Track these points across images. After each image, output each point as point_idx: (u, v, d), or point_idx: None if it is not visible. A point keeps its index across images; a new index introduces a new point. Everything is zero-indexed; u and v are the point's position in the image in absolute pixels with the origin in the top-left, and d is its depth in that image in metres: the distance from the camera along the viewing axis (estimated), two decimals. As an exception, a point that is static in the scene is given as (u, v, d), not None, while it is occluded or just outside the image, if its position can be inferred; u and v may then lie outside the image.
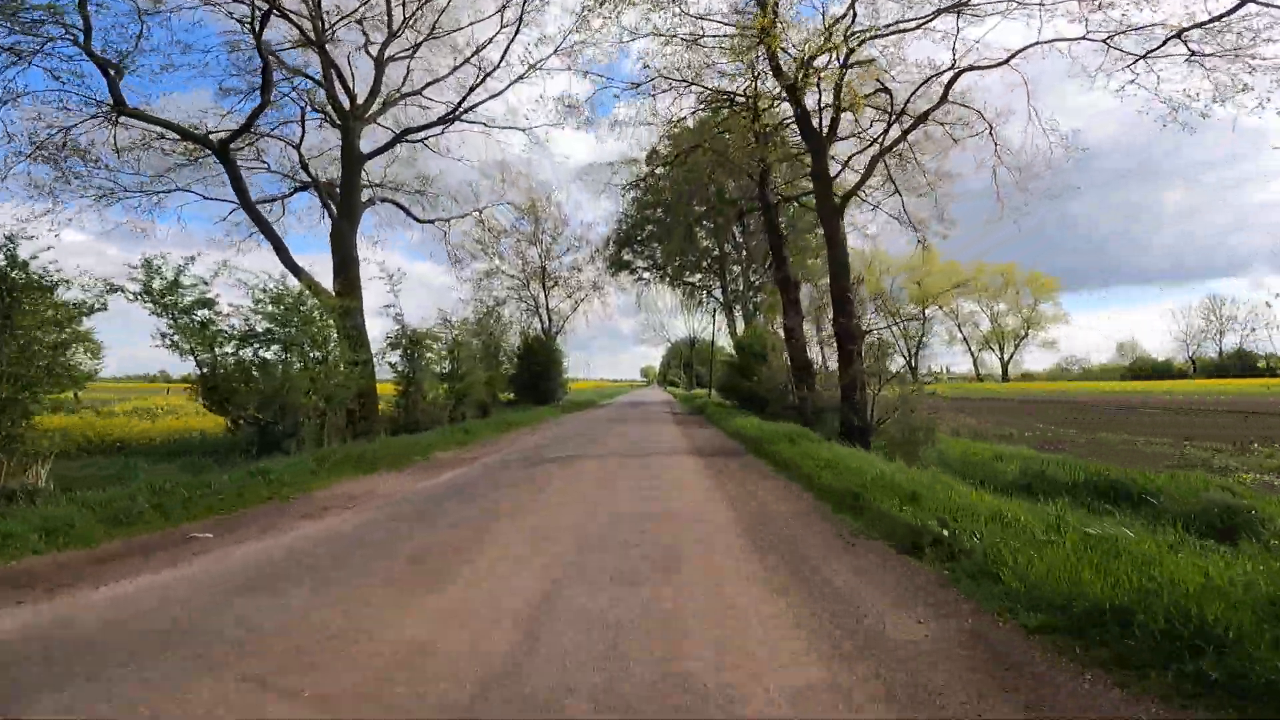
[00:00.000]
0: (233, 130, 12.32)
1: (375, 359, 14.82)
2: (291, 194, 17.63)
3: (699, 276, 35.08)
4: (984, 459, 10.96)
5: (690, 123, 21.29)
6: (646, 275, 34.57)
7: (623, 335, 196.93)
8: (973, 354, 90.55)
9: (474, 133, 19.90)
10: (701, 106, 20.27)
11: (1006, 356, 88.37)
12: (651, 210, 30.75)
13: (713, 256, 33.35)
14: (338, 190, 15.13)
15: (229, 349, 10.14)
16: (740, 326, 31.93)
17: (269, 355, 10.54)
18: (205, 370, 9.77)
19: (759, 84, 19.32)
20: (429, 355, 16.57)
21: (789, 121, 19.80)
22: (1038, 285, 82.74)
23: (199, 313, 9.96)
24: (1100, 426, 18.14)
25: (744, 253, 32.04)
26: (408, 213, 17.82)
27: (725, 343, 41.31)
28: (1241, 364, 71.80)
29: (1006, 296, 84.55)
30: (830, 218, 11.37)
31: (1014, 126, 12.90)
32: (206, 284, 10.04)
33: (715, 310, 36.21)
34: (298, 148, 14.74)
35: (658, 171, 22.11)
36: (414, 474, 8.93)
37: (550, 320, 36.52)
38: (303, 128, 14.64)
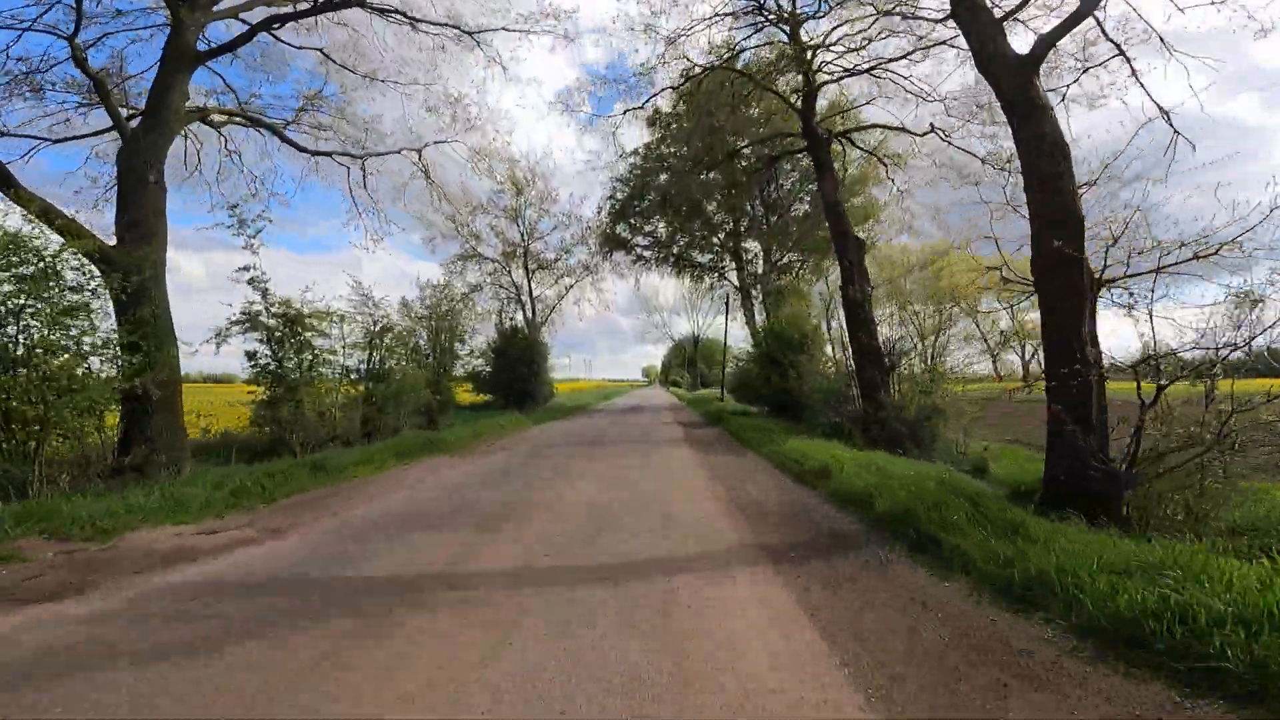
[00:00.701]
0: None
1: (209, 345, 9.24)
2: (137, 115, 11.91)
3: (709, 257, 29.38)
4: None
5: (703, 41, 16.01)
6: (646, 254, 28.82)
7: (624, 334, 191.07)
8: (992, 353, 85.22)
9: (415, 61, 14.33)
10: (721, 15, 15.05)
11: (1028, 356, 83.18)
12: (653, 176, 25.22)
13: (726, 230, 27.68)
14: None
15: None
16: (759, 315, 26.33)
17: None
18: None
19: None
20: (320, 344, 10.97)
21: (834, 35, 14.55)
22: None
23: None
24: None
25: (765, 226, 26.35)
26: (282, 136, 12.07)
27: (735, 337, 35.73)
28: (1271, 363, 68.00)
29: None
30: (1011, 75, 5.86)
31: None
32: None
33: (728, 295, 30.51)
34: (71, 39, 9.11)
35: (666, 98, 16.67)
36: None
37: (534, 310, 30.97)
38: (79, 10, 9.05)
